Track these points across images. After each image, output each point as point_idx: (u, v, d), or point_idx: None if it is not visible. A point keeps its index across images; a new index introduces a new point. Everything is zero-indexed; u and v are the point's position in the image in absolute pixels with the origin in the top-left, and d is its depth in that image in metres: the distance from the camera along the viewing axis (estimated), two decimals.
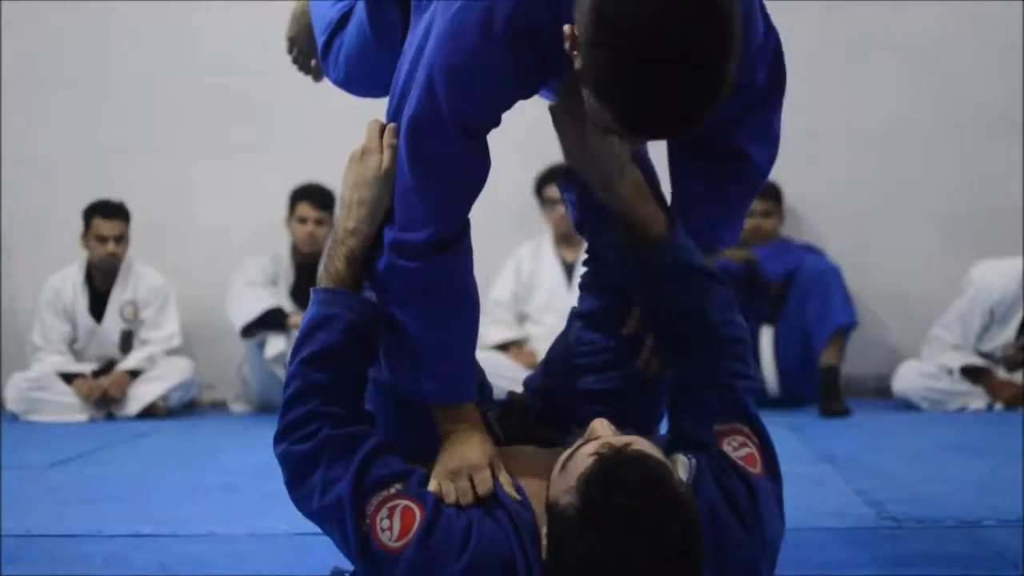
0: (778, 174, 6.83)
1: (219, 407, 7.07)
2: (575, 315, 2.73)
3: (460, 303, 2.42)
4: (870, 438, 5.45)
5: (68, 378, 6.65)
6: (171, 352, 6.84)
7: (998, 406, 6.34)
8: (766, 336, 6.68)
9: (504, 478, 2.34)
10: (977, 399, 6.38)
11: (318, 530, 2.42)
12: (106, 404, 6.64)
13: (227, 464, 4.90)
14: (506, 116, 2.33)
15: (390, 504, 2.26)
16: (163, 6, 7.21)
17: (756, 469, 2.38)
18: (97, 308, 6.83)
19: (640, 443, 2.12)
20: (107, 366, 6.77)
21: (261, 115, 7.19)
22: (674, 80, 1.94)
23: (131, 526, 3.64)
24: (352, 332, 2.37)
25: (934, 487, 4.10)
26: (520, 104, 2.35)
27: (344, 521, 2.27)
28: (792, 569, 3.04)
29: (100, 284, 6.84)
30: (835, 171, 7.12)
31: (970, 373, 6.42)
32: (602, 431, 2.18)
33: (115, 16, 7.23)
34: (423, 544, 2.22)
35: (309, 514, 2.37)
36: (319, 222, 6.79)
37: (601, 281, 2.69)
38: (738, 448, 2.39)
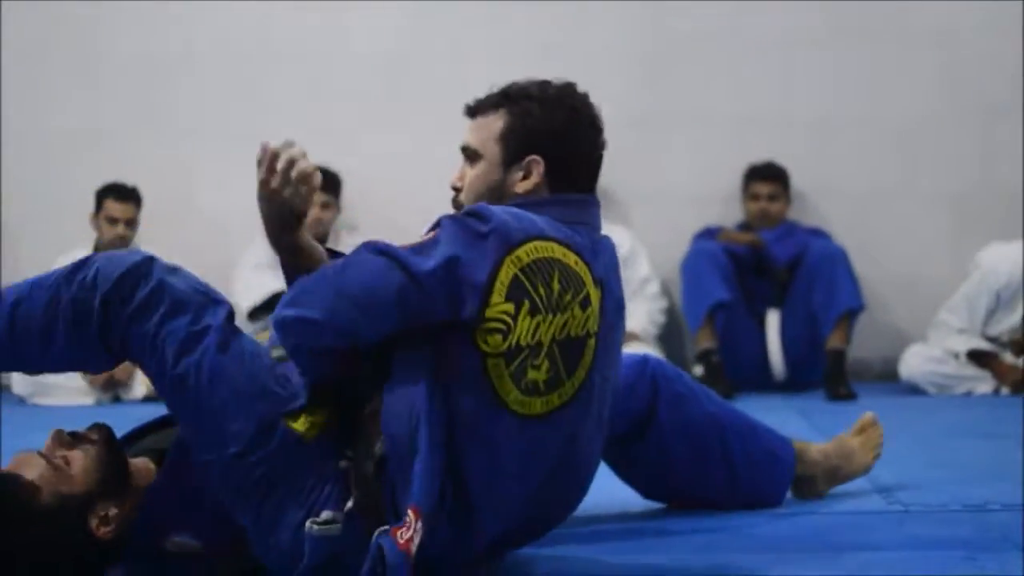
0: (786, 158, 6.88)
1: None
2: None
3: None
4: None
5: None
6: None
7: (1004, 390, 6.33)
8: (773, 320, 6.68)
9: None
10: (983, 384, 6.38)
11: None
12: (112, 387, 6.65)
13: None
14: None
15: None
16: None
17: None
18: None
19: None
20: None
21: (263, 98, 7.18)
22: None
23: None
24: None
25: (940, 471, 4.11)
26: None
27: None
28: (799, 552, 3.05)
29: None
30: (842, 155, 7.11)
31: (976, 357, 6.41)
32: None
33: None
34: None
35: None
36: (325, 206, 6.79)
37: None
38: None
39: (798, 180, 6.97)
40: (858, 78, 7.10)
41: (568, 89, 2.71)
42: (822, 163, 7.10)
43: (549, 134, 2.64)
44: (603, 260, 2.63)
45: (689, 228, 6.92)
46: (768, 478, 3.52)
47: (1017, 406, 5.71)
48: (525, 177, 2.63)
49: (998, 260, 6.45)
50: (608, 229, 7.46)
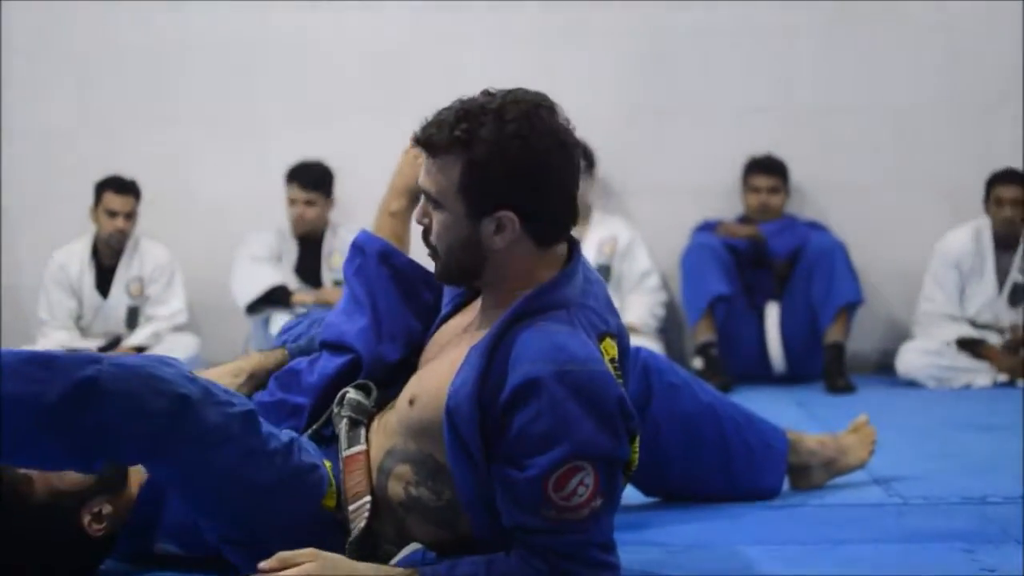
0: (785, 151, 6.87)
1: None
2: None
3: None
4: (875, 415, 5.39)
5: None
6: (177, 328, 6.83)
7: (1001, 377, 6.33)
8: (772, 313, 6.67)
9: None
10: (982, 376, 6.37)
11: None
12: None
13: None
14: None
15: None
16: None
17: None
18: (103, 284, 6.82)
19: None
20: (113, 342, 6.77)
21: (259, 90, 7.17)
22: None
23: None
24: None
25: (939, 464, 4.11)
26: None
27: None
28: (798, 544, 3.06)
29: (106, 260, 6.83)
30: (841, 148, 7.10)
31: (967, 346, 6.43)
32: None
33: None
34: None
35: None
36: (309, 203, 6.77)
37: None
38: None
39: (797, 173, 6.96)
40: (857, 71, 7.08)
41: (528, 116, 2.40)
42: (821, 156, 7.08)
43: (515, 185, 2.41)
44: (609, 311, 2.58)
45: (689, 221, 6.91)
46: (764, 466, 3.52)
47: (1015, 399, 5.71)
48: (499, 231, 2.43)
49: (948, 239, 6.64)
50: (608, 221, 7.46)
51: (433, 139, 2.43)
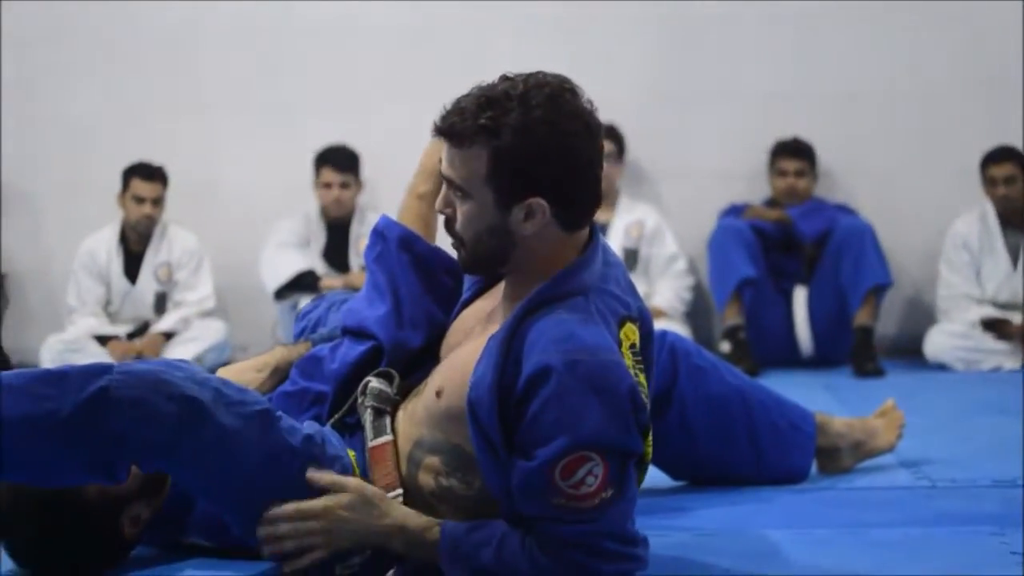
0: (811, 134, 6.85)
1: None
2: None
3: None
4: (904, 398, 5.37)
5: (103, 340, 6.68)
6: (205, 314, 6.85)
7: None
8: (800, 296, 6.66)
9: None
10: (1011, 359, 6.35)
11: None
12: None
13: None
14: None
15: None
16: None
17: None
18: (131, 270, 6.85)
19: None
20: (141, 328, 6.80)
21: (284, 76, 7.18)
22: None
23: None
24: None
25: (968, 447, 4.10)
26: None
27: None
28: (827, 528, 3.05)
29: (134, 246, 6.86)
30: (868, 131, 7.08)
31: (991, 327, 6.42)
32: None
33: None
34: None
35: None
36: (344, 185, 6.79)
37: None
38: None
39: (824, 156, 6.94)
40: (884, 53, 7.05)
41: (553, 99, 2.37)
42: (848, 140, 7.06)
43: (544, 171, 2.37)
44: (630, 294, 2.55)
45: (716, 205, 6.90)
46: (792, 448, 3.51)
47: None
48: (528, 217, 2.40)
49: (954, 224, 6.71)
50: (635, 206, 7.46)
51: (456, 128, 2.38)
